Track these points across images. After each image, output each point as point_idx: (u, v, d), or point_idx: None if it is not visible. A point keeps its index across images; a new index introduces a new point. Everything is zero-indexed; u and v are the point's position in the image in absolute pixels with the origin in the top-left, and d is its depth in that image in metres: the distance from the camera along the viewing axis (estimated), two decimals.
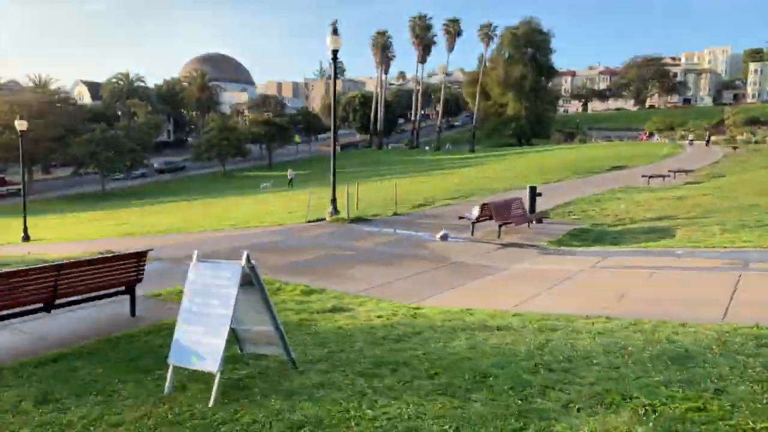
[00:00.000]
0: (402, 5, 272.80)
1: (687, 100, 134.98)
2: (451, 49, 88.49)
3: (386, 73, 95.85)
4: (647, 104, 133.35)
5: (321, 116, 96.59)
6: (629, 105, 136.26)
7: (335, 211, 17.43)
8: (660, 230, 14.49)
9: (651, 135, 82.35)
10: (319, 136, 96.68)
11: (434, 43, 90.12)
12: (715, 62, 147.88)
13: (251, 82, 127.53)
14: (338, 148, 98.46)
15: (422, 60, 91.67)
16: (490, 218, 14.80)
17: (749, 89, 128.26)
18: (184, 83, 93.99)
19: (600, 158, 44.69)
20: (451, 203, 21.45)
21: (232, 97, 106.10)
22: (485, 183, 29.83)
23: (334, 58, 17.33)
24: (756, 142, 58.25)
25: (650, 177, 26.63)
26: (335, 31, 16.75)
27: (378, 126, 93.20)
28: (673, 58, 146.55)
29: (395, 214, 18.52)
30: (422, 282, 9.63)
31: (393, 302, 8.08)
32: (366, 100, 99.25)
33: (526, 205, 16.30)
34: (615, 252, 12.09)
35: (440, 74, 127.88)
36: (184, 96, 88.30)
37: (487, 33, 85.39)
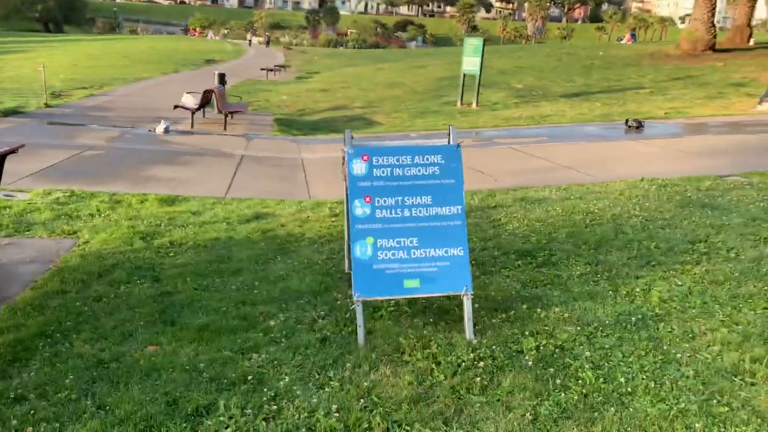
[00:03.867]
0: None
1: (215, 0, 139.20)
2: None
3: None
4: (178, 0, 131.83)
5: None
6: None
7: None
8: (357, 118, 15.88)
9: (201, 32, 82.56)
10: None
11: None
12: None
13: None
14: None
15: None
16: (200, 108, 13.39)
17: None
18: None
19: (181, 51, 43.08)
20: (95, 93, 17.79)
21: None
22: (94, 71, 25.26)
23: None
24: (296, 45, 65.74)
25: (269, 71, 27.71)
26: None
27: None
28: None
29: (47, 105, 14.37)
30: (249, 179, 8.36)
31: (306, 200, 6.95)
32: None
33: None
34: (358, 138, 12.79)
35: None
36: None
37: None
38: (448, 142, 3.56)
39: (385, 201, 3.39)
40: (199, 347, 3.25)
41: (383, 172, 3.41)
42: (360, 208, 3.38)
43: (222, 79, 15.88)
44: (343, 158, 3.66)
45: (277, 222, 5.85)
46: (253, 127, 13.72)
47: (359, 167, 3.42)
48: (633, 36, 46.02)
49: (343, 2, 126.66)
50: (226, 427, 2.56)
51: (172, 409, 2.66)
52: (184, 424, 2.57)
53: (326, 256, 4.78)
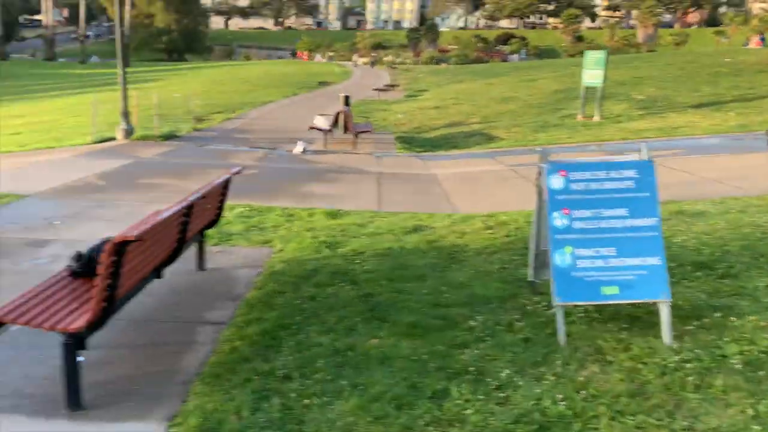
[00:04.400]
0: None
1: (319, 24, 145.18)
2: None
3: None
4: (286, 25, 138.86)
5: None
6: (269, 25, 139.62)
7: (129, 126, 13.97)
8: (475, 134, 16.19)
9: (309, 55, 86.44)
10: None
11: None
12: None
13: None
14: None
15: None
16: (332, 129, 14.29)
17: (369, 16, 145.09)
18: None
19: (294, 74, 45.50)
20: (231, 117, 19.38)
21: None
22: (223, 97, 27.44)
23: None
24: (399, 64, 67.18)
25: (380, 91, 28.72)
26: None
27: None
28: None
29: (196, 129, 15.89)
30: (393, 194, 8.89)
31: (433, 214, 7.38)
32: None
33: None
34: (483, 153, 13.09)
35: None
36: None
37: None
38: (639, 158, 3.80)
39: (582, 213, 3.69)
40: (414, 341, 3.69)
41: (580, 186, 3.72)
42: (559, 220, 3.70)
43: (347, 101, 16.74)
44: (538, 173, 3.99)
45: (437, 233, 6.28)
46: (379, 146, 14.41)
47: (557, 182, 3.74)
48: (762, 39, 43.02)
49: (443, 19, 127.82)
50: (465, 409, 2.95)
51: (414, 391, 3.10)
52: (429, 404, 2.99)
53: (498, 265, 5.12)
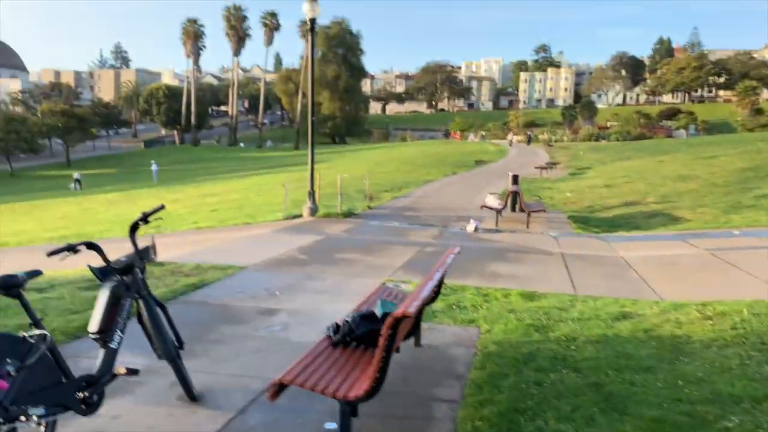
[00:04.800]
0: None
1: (471, 105, 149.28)
2: (270, 43, 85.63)
3: (196, 63, 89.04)
4: (438, 107, 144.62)
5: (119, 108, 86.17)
6: (423, 108, 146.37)
7: (314, 205, 15.15)
8: (656, 214, 15.30)
9: (462, 135, 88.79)
10: (121, 130, 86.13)
11: (249, 36, 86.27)
12: (490, 71, 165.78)
13: (23, 68, 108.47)
14: (140, 144, 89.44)
15: (237, 52, 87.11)
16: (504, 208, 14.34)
17: (521, 96, 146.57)
18: None
19: (450, 154, 46.80)
20: (398, 195, 20.31)
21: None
22: (386, 176, 28.97)
23: (312, 29, 15.29)
24: (556, 141, 66.36)
25: (541, 169, 28.49)
26: None
27: (191, 120, 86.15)
28: (452, 66, 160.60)
29: (370, 207, 16.83)
30: (585, 276, 8.57)
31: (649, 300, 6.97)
32: (172, 92, 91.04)
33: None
34: (672, 236, 12.26)
35: (234, 69, 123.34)
36: None
37: (308, 30, 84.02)
38: None
39: None
40: None
41: None
42: None
43: (515, 180, 16.79)
44: None
45: (649, 322, 5.92)
46: (552, 225, 14.14)
47: None
48: None
49: (599, 96, 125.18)
50: None
51: None
52: None
53: (737, 361, 4.67)
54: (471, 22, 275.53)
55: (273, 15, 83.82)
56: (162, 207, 3.90)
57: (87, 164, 66.05)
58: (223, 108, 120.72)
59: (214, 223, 15.27)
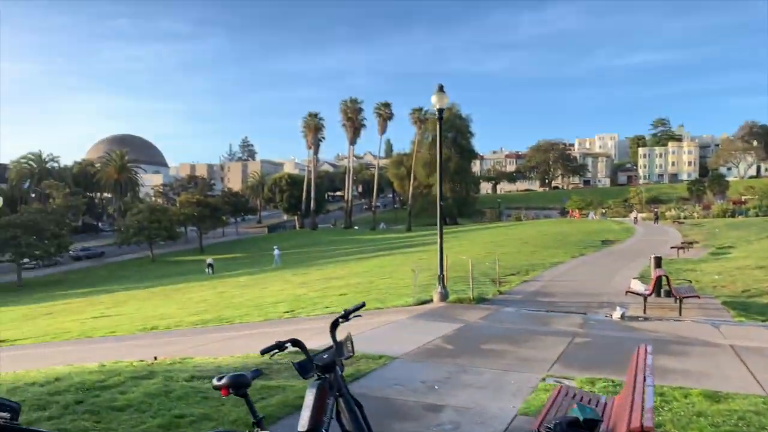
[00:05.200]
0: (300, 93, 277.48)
1: (587, 182, 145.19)
2: (383, 131, 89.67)
3: (316, 153, 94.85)
4: (552, 185, 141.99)
5: (246, 197, 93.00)
6: (535, 186, 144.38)
7: (445, 290, 15.02)
8: None
9: (581, 213, 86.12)
10: (247, 217, 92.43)
11: (364, 126, 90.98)
12: (605, 147, 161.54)
13: (164, 164, 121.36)
14: (264, 229, 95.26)
15: (352, 141, 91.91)
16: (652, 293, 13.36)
17: (641, 171, 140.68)
18: (97, 165, 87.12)
19: (571, 233, 45.24)
20: (527, 279, 19.69)
21: (146, 179, 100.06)
22: (508, 258, 28.40)
23: (440, 117, 15.77)
24: (685, 218, 62.25)
25: (679, 248, 26.66)
26: (441, 89, 15.18)
27: (311, 206, 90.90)
28: (565, 144, 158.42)
29: (500, 292, 16.41)
30: None
31: None
32: (293, 180, 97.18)
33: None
34: None
35: (349, 157, 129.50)
36: (101, 177, 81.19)
37: (419, 117, 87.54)
38: None
39: None
40: None
41: None
42: None
43: (659, 262, 15.79)
44: None
45: None
46: (705, 311, 12.96)
47: None
48: None
49: (729, 168, 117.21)
50: None
51: None
52: None
53: None
54: (583, 102, 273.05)
55: (386, 105, 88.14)
56: (363, 305, 3.98)
57: (217, 249, 71.05)
58: (338, 193, 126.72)
59: (345, 307, 15.54)
